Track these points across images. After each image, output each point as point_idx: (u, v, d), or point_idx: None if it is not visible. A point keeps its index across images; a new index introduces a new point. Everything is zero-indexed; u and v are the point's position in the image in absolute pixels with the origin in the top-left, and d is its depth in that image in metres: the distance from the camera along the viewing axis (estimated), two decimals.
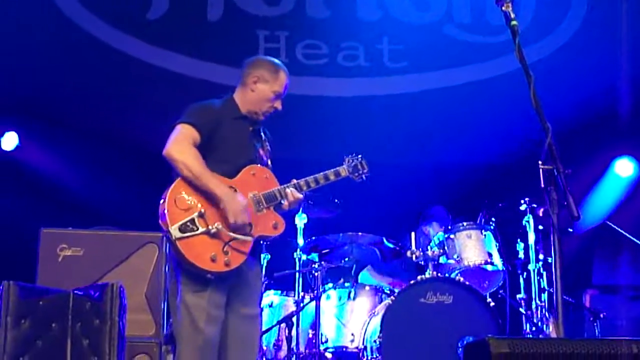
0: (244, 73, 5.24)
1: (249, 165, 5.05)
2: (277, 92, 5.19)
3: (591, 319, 7.45)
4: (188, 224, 4.70)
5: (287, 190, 5.08)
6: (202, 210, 4.75)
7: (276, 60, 5.32)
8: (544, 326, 7.12)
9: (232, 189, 4.88)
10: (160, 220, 4.73)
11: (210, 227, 4.73)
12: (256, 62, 5.29)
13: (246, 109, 5.18)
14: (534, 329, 7.14)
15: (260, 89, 5.17)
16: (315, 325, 7.00)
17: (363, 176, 5.50)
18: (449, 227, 7.26)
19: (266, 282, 7.25)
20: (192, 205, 4.75)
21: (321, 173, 5.27)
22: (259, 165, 5.13)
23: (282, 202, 5.07)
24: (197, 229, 4.71)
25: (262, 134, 5.29)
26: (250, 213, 4.90)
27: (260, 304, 5.34)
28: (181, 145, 4.82)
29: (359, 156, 5.51)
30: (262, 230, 4.96)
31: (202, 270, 4.70)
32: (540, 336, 7.00)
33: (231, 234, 4.77)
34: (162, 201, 4.74)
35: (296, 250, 7.28)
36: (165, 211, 4.69)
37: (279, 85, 5.20)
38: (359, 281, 7.58)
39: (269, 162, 5.23)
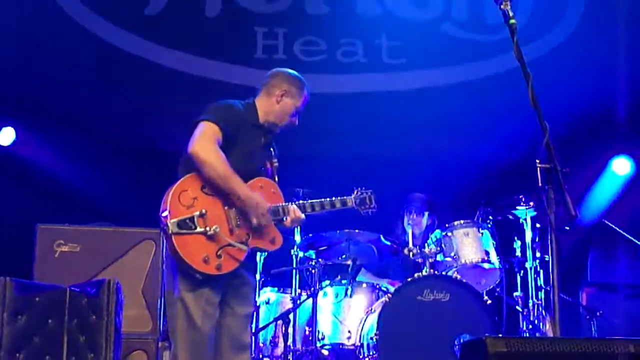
0: (270, 83, 5.27)
1: (256, 176, 5.07)
2: (298, 108, 5.27)
3: (588, 317, 7.45)
4: (187, 221, 4.69)
5: (291, 208, 5.09)
6: (204, 211, 4.74)
7: (301, 76, 5.36)
8: (541, 324, 7.12)
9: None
10: (161, 213, 4.73)
11: (208, 228, 4.72)
12: (285, 76, 5.32)
13: (266, 118, 5.21)
14: (530, 327, 7.14)
15: (285, 103, 5.22)
16: (312, 322, 7.00)
17: (369, 211, 5.52)
18: (446, 225, 7.26)
19: (263, 279, 7.26)
20: (196, 203, 4.75)
21: (328, 199, 5.31)
22: (266, 178, 5.16)
23: (284, 218, 5.07)
24: (195, 228, 4.70)
25: (271, 148, 5.31)
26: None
27: (253, 304, 5.34)
28: (207, 145, 4.81)
29: (369, 191, 5.53)
30: (259, 243, 4.96)
31: (192, 269, 4.69)
32: (537, 334, 7.01)
33: (228, 239, 4.78)
34: (166, 195, 4.75)
35: (293, 247, 7.28)
36: (168, 204, 4.69)
37: (302, 103, 5.28)
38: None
39: (276, 178, 5.23)
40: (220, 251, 4.75)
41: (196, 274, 4.72)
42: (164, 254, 5.59)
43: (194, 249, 4.70)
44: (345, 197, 5.41)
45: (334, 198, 5.34)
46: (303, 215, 5.14)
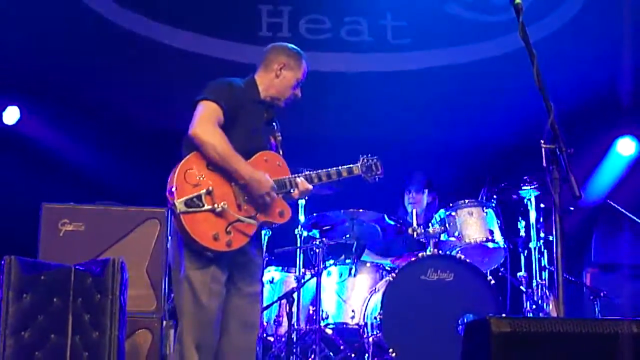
0: (268, 58, 5.26)
1: (261, 151, 5.06)
2: (299, 80, 5.26)
3: (591, 297, 7.46)
4: (194, 199, 4.70)
5: (298, 180, 5.11)
6: (211, 188, 4.75)
7: (298, 49, 5.36)
8: (544, 304, 7.13)
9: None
10: (168, 193, 4.73)
11: (216, 205, 4.73)
12: (282, 49, 5.32)
13: (268, 93, 5.20)
14: (534, 307, 7.15)
15: (285, 76, 5.21)
16: (316, 301, 7.02)
17: (376, 177, 5.55)
18: (450, 204, 7.26)
19: (267, 258, 7.27)
20: (202, 181, 4.76)
21: (334, 168, 5.33)
22: (271, 151, 5.16)
23: (292, 191, 5.08)
24: (203, 206, 4.71)
25: (273, 123, 5.31)
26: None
27: (261, 281, 5.36)
28: (208, 126, 4.81)
29: (375, 157, 5.57)
30: (268, 217, 4.96)
31: (203, 247, 4.71)
32: (541, 314, 7.03)
33: (236, 215, 4.78)
34: (171, 174, 4.75)
35: (297, 227, 7.29)
36: (174, 184, 4.69)
37: (302, 74, 5.27)
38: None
39: (281, 152, 5.24)
40: (230, 227, 4.76)
41: (207, 252, 4.73)
42: (169, 232, 5.60)
43: (204, 227, 4.70)
44: (351, 165, 5.43)
45: (340, 167, 5.35)
46: (311, 186, 5.16)
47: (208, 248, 4.72)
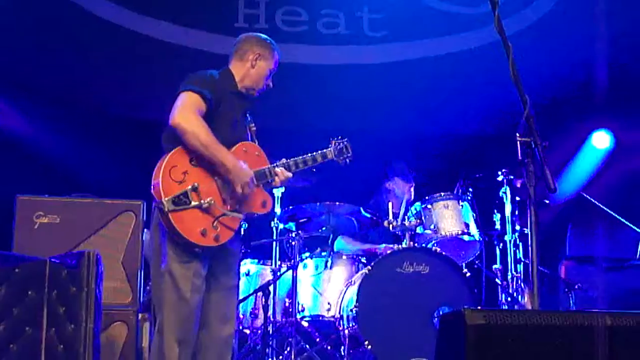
0: (242, 48, 5.30)
1: (240, 141, 5.07)
2: (272, 70, 5.32)
3: (566, 290, 7.50)
4: (181, 197, 4.69)
5: (277, 169, 5.14)
6: (196, 184, 4.74)
7: (270, 39, 5.40)
8: (519, 297, 7.17)
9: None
10: (153, 191, 4.72)
11: (203, 201, 4.73)
12: (255, 39, 5.36)
13: (243, 84, 5.24)
14: (509, 299, 7.18)
15: (260, 66, 5.26)
16: (292, 294, 7.02)
17: (347, 160, 5.60)
18: (426, 197, 7.27)
19: (243, 251, 7.26)
20: (186, 178, 4.75)
21: (309, 155, 5.38)
22: (249, 142, 5.17)
23: (272, 180, 5.11)
24: (190, 203, 4.71)
25: (247, 114, 5.32)
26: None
27: (238, 274, 5.36)
28: (189, 114, 4.80)
29: (345, 139, 5.64)
30: (251, 208, 5.00)
31: (192, 243, 4.71)
32: (516, 307, 7.06)
33: (222, 209, 4.79)
34: (155, 171, 4.73)
35: (273, 219, 7.29)
36: (160, 182, 4.68)
37: (274, 64, 5.34)
38: (335, 249, 7.58)
39: (256, 142, 5.26)
40: (216, 222, 4.78)
41: (196, 248, 4.74)
42: (144, 224, 5.56)
43: (191, 224, 4.71)
44: (324, 150, 5.49)
45: (314, 153, 5.42)
46: (290, 174, 5.21)
47: (197, 244, 4.73)
